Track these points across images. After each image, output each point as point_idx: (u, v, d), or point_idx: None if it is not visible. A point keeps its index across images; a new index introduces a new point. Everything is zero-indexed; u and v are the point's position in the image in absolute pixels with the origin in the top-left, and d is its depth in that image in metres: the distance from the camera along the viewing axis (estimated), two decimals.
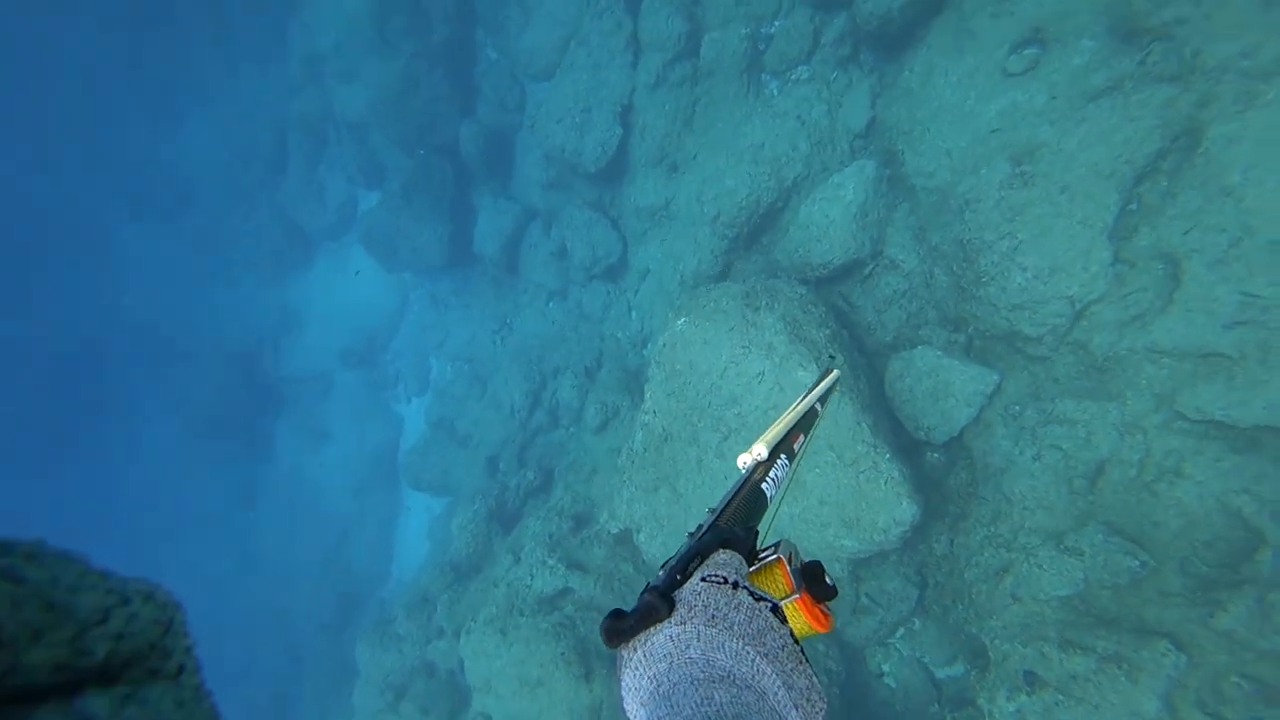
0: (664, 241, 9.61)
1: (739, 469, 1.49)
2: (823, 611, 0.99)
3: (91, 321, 21.59)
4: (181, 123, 19.94)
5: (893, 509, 5.80)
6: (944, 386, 6.54)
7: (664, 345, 7.03)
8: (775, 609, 0.88)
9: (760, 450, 1.50)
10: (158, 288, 21.04)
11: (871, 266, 7.48)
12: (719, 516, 1.16)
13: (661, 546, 7.35)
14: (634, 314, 10.47)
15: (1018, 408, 6.50)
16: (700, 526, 1.12)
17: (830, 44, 8.09)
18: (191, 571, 16.35)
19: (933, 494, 6.90)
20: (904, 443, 6.98)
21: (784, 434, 1.66)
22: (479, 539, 9.80)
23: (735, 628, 0.82)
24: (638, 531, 7.52)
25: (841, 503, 6.01)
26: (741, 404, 6.49)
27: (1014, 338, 6.33)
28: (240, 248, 17.80)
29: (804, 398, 2.02)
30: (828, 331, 6.60)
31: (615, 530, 7.94)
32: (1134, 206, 5.64)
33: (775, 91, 8.64)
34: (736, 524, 1.16)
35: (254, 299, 17.77)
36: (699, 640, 0.81)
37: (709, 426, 6.78)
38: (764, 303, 6.67)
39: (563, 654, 7.23)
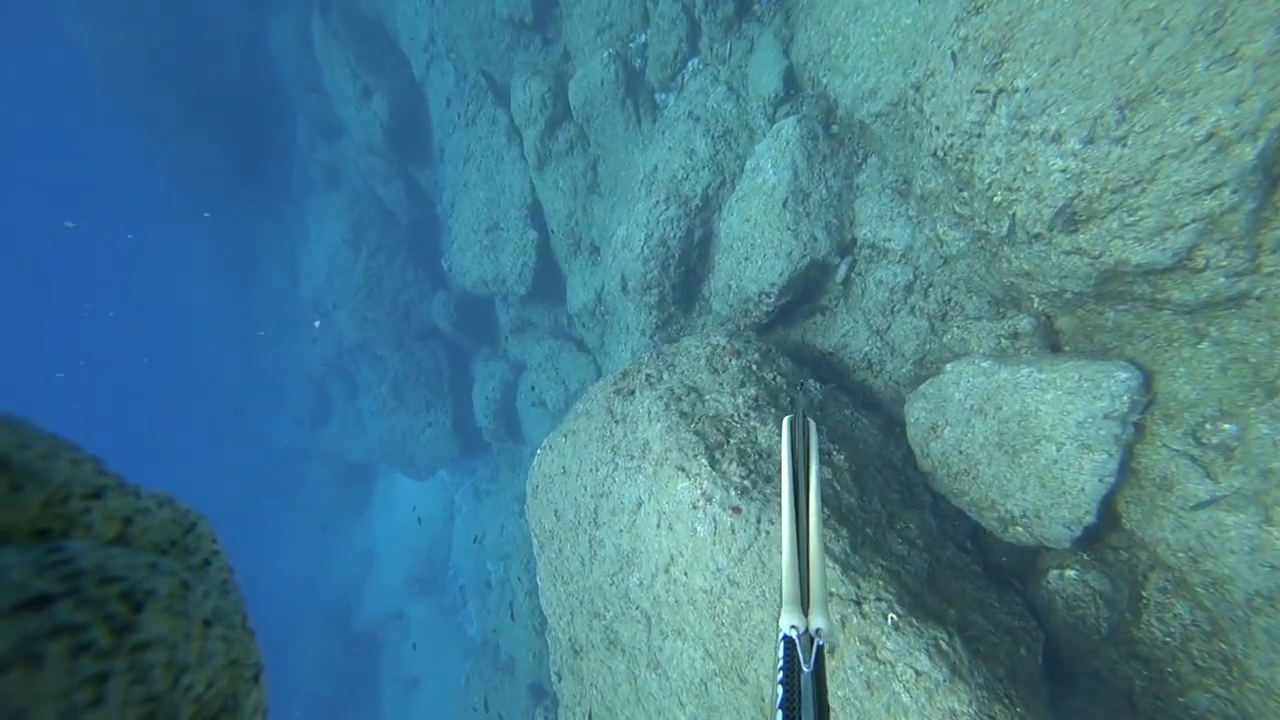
0: (619, 341, 7.40)
1: (787, 636, 1.28)
2: None
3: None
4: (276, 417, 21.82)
5: None
6: (1020, 423, 3.29)
7: (529, 500, 4.56)
8: None
9: (820, 624, 1.30)
10: (291, 562, 22.21)
11: (845, 267, 4.63)
12: None
13: None
14: None
15: (1228, 428, 3.02)
16: None
17: (708, 12, 6.06)
18: None
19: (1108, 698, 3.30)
20: (993, 563, 3.60)
21: (823, 581, 1.43)
22: None
23: None
24: None
25: None
26: (640, 566, 3.70)
27: (1118, 282, 3.08)
28: (314, 508, 18.25)
29: (801, 490, 1.73)
30: (755, 391, 3.77)
31: None
32: None
33: (673, 104, 6.62)
34: None
35: (337, 552, 17.73)
36: None
37: (620, 616, 3.98)
38: (641, 380, 4.09)
39: None
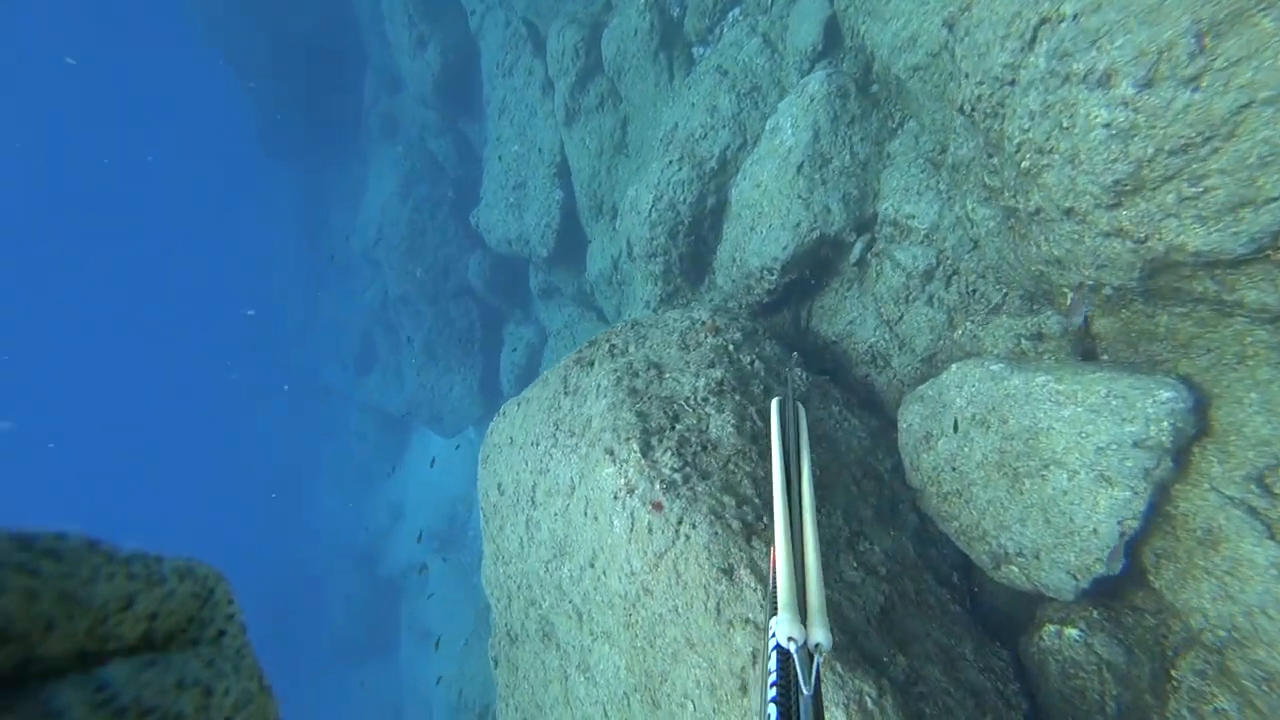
0: (632, 312, 6.98)
1: (783, 648, 1.11)
2: None
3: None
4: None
5: None
6: (1028, 441, 2.68)
7: (479, 469, 4.24)
8: None
9: (820, 638, 1.15)
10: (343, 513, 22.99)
11: (861, 246, 4.03)
12: None
13: None
14: None
15: None
16: None
17: None
18: None
19: None
20: (985, 607, 3.02)
21: (821, 587, 1.26)
22: None
23: None
24: None
25: None
26: (571, 556, 3.32)
27: (1172, 275, 2.41)
28: (351, 456, 18.80)
29: (794, 480, 1.56)
30: (722, 374, 3.28)
31: None
32: None
33: (707, 57, 6.06)
34: None
35: (371, 499, 18.23)
36: None
37: (555, 607, 3.62)
38: (604, 351, 3.67)
39: None
